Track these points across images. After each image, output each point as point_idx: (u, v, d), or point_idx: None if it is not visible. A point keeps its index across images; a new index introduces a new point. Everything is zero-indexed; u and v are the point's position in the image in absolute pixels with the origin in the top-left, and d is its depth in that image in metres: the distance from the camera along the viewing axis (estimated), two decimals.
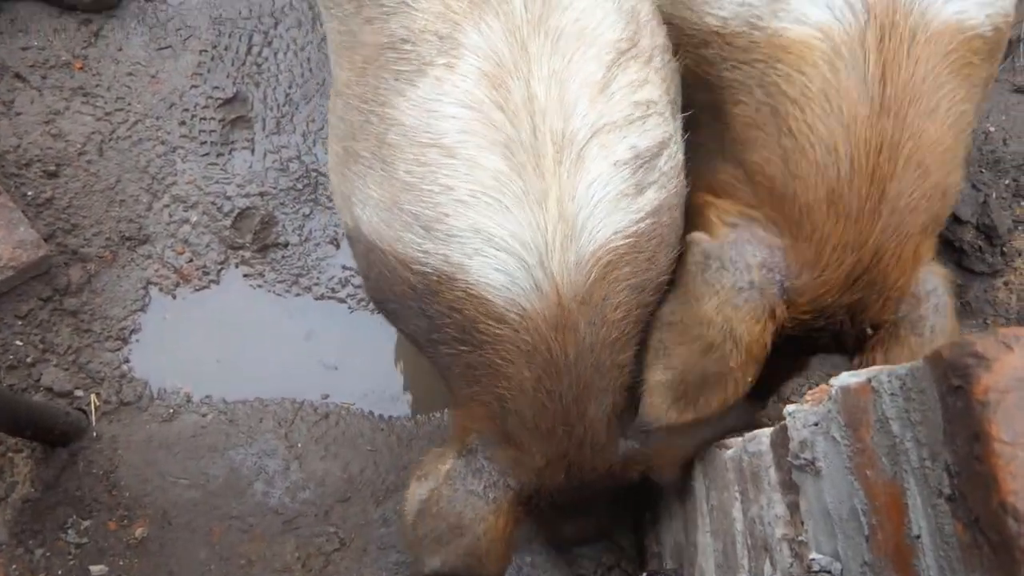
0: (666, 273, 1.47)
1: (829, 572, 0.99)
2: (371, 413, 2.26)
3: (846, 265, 1.32)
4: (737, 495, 1.36)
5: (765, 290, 1.34)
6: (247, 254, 2.41)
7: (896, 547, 0.86)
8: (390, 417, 2.27)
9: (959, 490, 0.75)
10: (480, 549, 1.50)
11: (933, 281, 1.38)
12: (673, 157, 1.46)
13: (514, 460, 1.51)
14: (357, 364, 2.32)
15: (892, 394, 0.85)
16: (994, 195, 2.66)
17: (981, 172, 2.78)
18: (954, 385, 0.74)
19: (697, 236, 1.44)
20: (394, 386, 2.33)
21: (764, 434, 1.24)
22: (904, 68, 1.26)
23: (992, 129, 2.93)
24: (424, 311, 1.44)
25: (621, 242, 1.36)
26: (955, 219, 2.49)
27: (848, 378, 0.96)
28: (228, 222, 2.42)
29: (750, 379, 1.38)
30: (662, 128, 1.42)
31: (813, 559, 1.02)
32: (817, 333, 1.41)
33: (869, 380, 0.89)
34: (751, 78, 1.40)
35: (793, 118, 1.34)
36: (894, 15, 1.26)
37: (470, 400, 1.52)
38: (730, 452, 1.40)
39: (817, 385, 1.08)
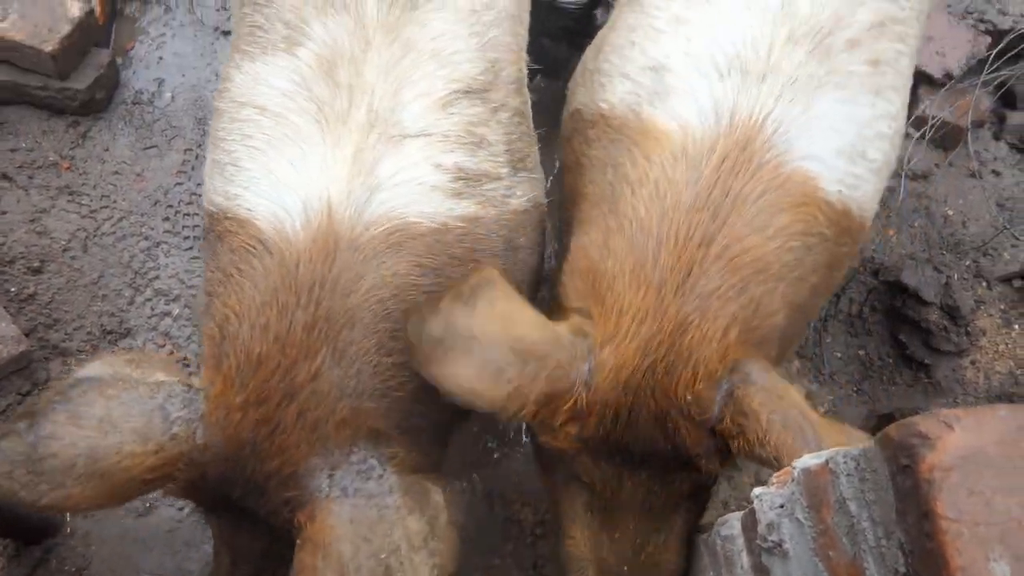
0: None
1: None
2: None
3: (643, 334, 1.28)
4: None
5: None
6: None
7: None
8: None
9: (913, 568, 0.78)
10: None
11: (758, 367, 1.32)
12: (504, 193, 1.51)
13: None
14: None
15: (848, 475, 0.89)
16: (956, 276, 2.75)
17: (943, 254, 2.88)
18: (903, 464, 0.78)
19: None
20: None
21: (735, 517, 1.27)
22: (741, 182, 1.32)
23: (951, 213, 3.05)
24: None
25: (424, 225, 1.38)
26: (919, 300, 2.57)
27: (809, 460, 0.99)
28: None
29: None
30: (491, 163, 1.49)
31: None
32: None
33: (827, 461, 0.93)
34: (609, 158, 1.47)
35: (623, 199, 1.39)
36: (750, 139, 1.34)
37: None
38: (704, 536, 1.42)
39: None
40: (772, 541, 1.07)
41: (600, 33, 1.77)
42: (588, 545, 1.42)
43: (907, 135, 3.13)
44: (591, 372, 1.29)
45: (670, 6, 1.55)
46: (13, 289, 2.38)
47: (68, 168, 2.58)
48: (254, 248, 1.36)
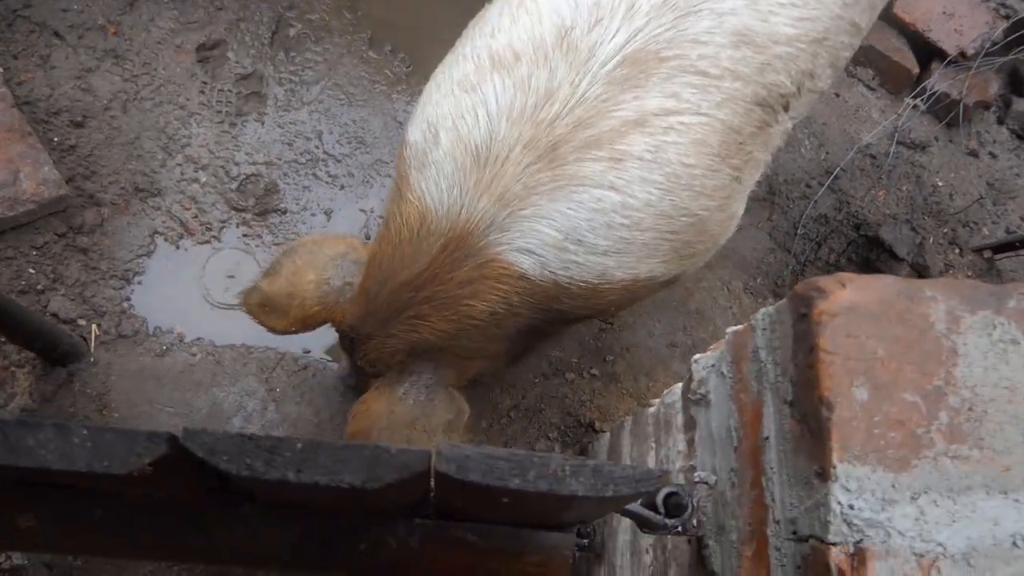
0: None
1: (706, 483, 1.21)
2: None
3: (368, 311, 1.77)
4: (652, 444, 1.59)
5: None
6: (248, 216, 2.64)
7: (752, 449, 1.09)
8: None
9: (796, 395, 0.99)
10: None
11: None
12: None
13: None
14: None
15: (763, 329, 1.09)
16: (932, 239, 2.93)
17: (924, 219, 3.05)
18: (800, 312, 0.98)
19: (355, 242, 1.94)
20: None
21: (678, 387, 1.48)
22: (454, 271, 1.65)
23: (940, 184, 3.21)
24: None
25: None
26: (892, 255, 2.75)
27: (737, 325, 1.19)
28: (234, 185, 2.65)
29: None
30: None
31: (696, 475, 1.24)
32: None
33: (750, 321, 1.13)
34: (398, 185, 1.78)
35: (390, 224, 1.74)
36: (471, 233, 1.61)
37: None
38: (652, 409, 1.63)
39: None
40: (699, 394, 1.28)
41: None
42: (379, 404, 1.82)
43: (915, 107, 3.27)
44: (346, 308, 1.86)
45: (462, 65, 1.68)
46: (56, 139, 2.56)
47: (115, 32, 2.74)
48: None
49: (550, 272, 1.63)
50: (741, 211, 1.91)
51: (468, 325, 1.71)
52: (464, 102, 1.61)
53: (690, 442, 1.35)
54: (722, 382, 1.22)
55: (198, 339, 2.46)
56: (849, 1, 1.80)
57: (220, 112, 2.74)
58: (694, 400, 1.31)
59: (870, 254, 2.83)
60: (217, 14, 2.84)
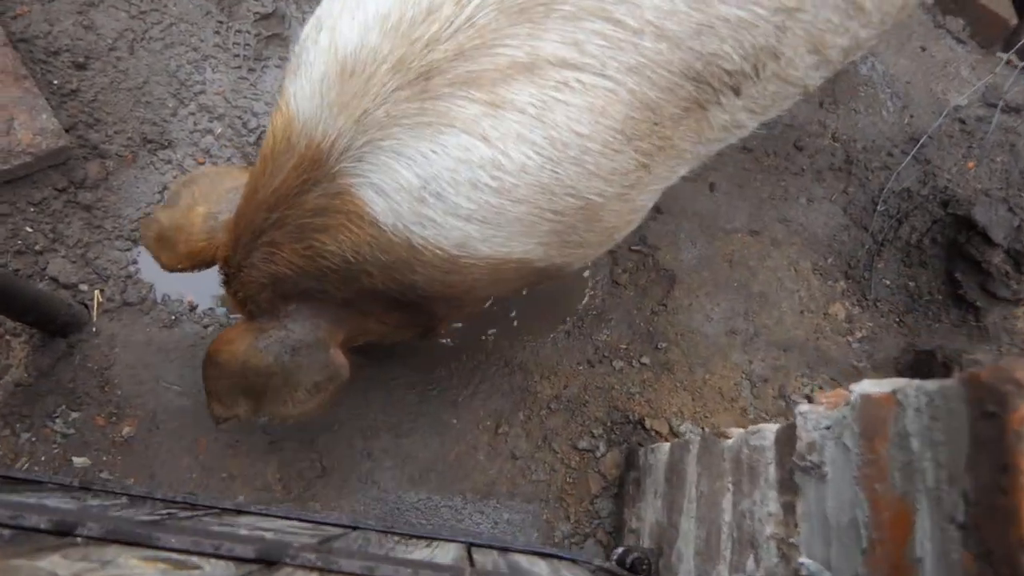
0: None
1: None
2: (374, 357, 2.25)
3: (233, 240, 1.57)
4: (730, 486, 1.35)
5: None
6: None
7: (894, 566, 0.84)
8: (382, 362, 2.25)
9: (974, 520, 0.73)
10: None
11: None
12: None
13: None
14: None
15: (917, 409, 0.83)
16: None
17: (1021, 195, 2.72)
18: (988, 411, 0.72)
19: None
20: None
21: (769, 430, 1.22)
22: (305, 197, 1.43)
23: None
24: None
25: None
26: (986, 240, 2.44)
27: (870, 386, 0.93)
28: (252, 138, 2.39)
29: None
30: None
31: (802, 563, 1.00)
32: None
33: (894, 392, 0.87)
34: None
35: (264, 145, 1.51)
36: (325, 157, 1.38)
37: None
38: (730, 442, 1.39)
39: (828, 389, 1.05)
40: (811, 461, 1.03)
41: None
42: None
43: (1011, 64, 2.90)
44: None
45: None
46: (56, 82, 2.31)
47: None
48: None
49: (403, 226, 1.38)
50: (649, 205, 1.62)
51: (324, 267, 1.49)
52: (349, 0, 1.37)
53: (788, 508, 1.10)
54: (844, 456, 0.96)
55: (210, 309, 2.24)
56: None
57: (237, 56, 2.45)
58: (801, 466, 1.05)
59: (959, 236, 2.51)
60: None
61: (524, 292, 2.37)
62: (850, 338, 2.47)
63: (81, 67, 2.33)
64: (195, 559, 0.91)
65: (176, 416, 2.11)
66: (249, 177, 1.53)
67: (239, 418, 1.71)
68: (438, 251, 1.40)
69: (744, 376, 2.36)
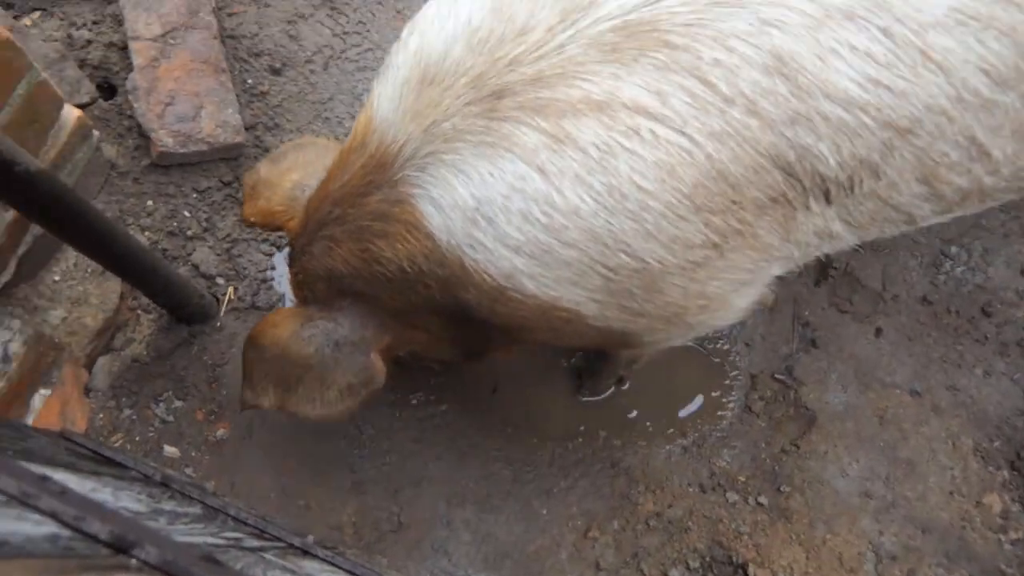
0: None
1: None
2: (482, 424, 2.15)
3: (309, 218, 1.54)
4: None
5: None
6: None
7: None
8: (501, 428, 2.15)
9: None
10: None
11: None
12: None
13: None
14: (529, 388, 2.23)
15: None
16: None
17: None
18: None
19: None
20: (509, 413, 2.21)
21: None
22: (370, 196, 1.40)
23: None
24: None
25: None
26: None
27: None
28: None
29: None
30: None
31: None
32: None
33: None
34: None
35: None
36: (392, 161, 1.35)
37: None
38: None
39: None
40: None
41: None
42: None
43: None
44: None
45: None
46: (250, 81, 2.39)
47: None
48: None
49: (456, 244, 1.34)
50: (734, 303, 1.48)
51: (378, 273, 1.45)
52: (443, 7, 1.34)
53: None
54: None
55: None
56: (970, 100, 1.24)
57: None
58: None
59: None
60: None
61: (628, 385, 2.22)
62: (1003, 537, 2.16)
63: (276, 72, 2.40)
64: None
65: (271, 431, 2.07)
66: (330, 166, 1.52)
67: (262, 408, 1.65)
68: (487, 276, 1.36)
69: (871, 547, 2.09)
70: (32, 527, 0.79)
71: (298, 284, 1.62)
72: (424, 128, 1.29)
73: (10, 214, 1.53)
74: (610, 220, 1.26)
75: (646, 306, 1.40)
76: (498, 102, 1.23)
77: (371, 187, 1.38)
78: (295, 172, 1.71)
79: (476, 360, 1.83)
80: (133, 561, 0.83)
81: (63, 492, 0.88)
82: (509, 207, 1.26)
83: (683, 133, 1.21)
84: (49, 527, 0.82)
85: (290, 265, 1.64)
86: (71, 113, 1.63)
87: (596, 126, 1.20)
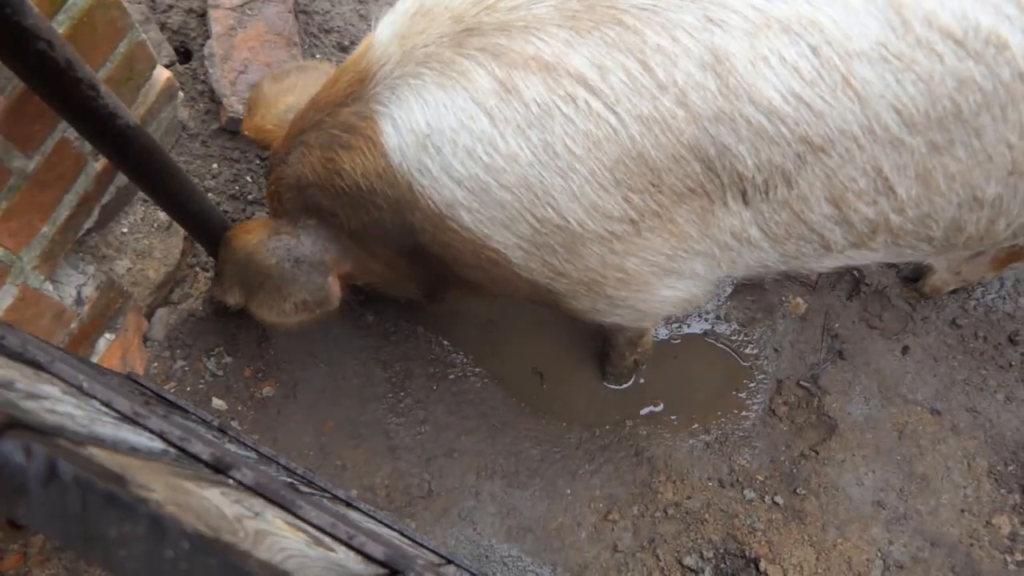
0: None
1: None
2: (516, 399, 2.24)
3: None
4: None
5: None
6: None
7: None
8: (532, 408, 2.24)
9: None
10: None
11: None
12: None
13: None
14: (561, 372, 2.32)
15: None
16: None
17: None
18: None
19: None
20: (554, 393, 2.30)
21: None
22: (348, 107, 1.53)
23: None
24: None
25: None
26: None
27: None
28: None
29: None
30: None
31: None
32: None
33: None
34: None
35: None
36: (370, 78, 1.48)
37: None
38: None
39: None
40: None
41: None
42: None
43: None
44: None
45: None
46: (318, 56, 2.47)
47: None
48: None
49: (407, 168, 1.46)
50: (657, 289, 1.57)
51: (339, 187, 1.56)
52: None
53: None
54: None
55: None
56: (880, 133, 1.28)
57: None
58: None
59: None
60: None
61: (640, 370, 2.30)
62: (1009, 558, 2.22)
63: (343, 49, 2.49)
64: (329, 540, 0.90)
65: (315, 391, 2.17)
66: (325, 81, 1.63)
67: (228, 304, 1.80)
68: (431, 203, 1.47)
69: (879, 555, 2.16)
70: (147, 441, 0.89)
71: (270, 194, 1.74)
72: (404, 51, 1.41)
73: (99, 164, 1.63)
74: (543, 173, 1.37)
75: (567, 266, 1.51)
76: (466, 38, 1.35)
77: (349, 99, 1.50)
78: (291, 95, 1.84)
79: (436, 302, 1.96)
80: (231, 481, 0.93)
81: (165, 416, 0.98)
82: (456, 141, 1.38)
83: (613, 111, 1.30)
84: (159, 443, 0.91)
85: (268, 176, 1.77)
86: (161, 74, 1.73)
87: (540, 85, 1.31)
